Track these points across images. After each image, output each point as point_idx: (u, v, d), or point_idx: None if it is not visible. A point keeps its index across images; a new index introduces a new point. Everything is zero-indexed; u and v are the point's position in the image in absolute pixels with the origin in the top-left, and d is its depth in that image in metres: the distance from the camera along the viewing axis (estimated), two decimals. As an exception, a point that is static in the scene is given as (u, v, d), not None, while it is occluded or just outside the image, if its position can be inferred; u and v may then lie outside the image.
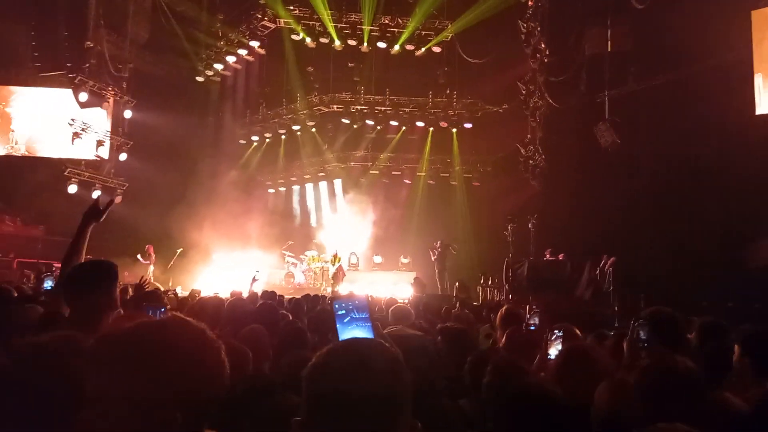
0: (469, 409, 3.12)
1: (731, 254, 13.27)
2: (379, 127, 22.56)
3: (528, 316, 4.21)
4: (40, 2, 20.85)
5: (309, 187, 24.55)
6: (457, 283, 15.32)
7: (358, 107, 21.97)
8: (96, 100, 19.30)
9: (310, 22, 20.84)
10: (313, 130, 23.19)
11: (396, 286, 17.55)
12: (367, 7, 20.32)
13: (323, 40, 20.88)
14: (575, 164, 17.95)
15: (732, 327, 3.82)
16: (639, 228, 16.11)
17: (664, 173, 15.90)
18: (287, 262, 20.32)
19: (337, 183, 23.54)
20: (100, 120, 20.05)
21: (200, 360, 1.24)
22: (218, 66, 22.67)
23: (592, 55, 16.91)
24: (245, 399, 2.77)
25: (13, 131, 21.09)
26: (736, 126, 14.57)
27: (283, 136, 23.95)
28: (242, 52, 22.08)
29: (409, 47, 20.97)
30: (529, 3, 18.02)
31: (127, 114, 20.70)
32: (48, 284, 5.21)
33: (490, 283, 16.35)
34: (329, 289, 17.70)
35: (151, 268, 17.55)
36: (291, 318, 5.23)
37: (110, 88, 19.80)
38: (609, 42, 16.29)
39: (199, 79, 22.90)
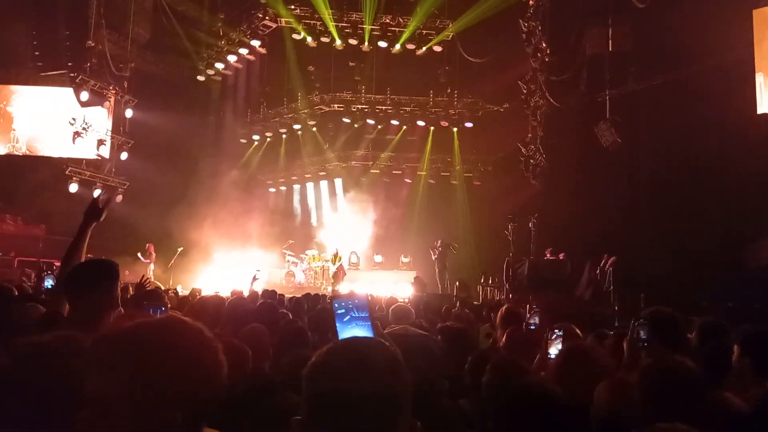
0: (470, 409, 3.12)
1: (731, 254, 13.26)
2: (379, 127, 22.56)
3: (528, 315, 4.21)
4: (41, 2, 20.87)
5: (310, 186, 24.55)
6: (457, 283, 15.33)
7: (359, 106, 21.96)
8: (97, 99, 19.31)
9: (311, 22, 20.82)
10: (314, 129, 23.19)
11: (396, 285, 17.55)
12: (368, 6, 20.31)
13: (324, 40, 20.87)
14: (576, 164, 17.95)
15: (732, 327, 3.82)
16: (639, 228, 16.12)
17: (665, 173, 15.90)
18: (288, 261, 20.33)
19: (338, 182, 23.54)
20: (101, 119, 20.06)
21: (199, 359, 1.24)
22: (219, 65, 22.66)
23: (592, 55, 16.90)
24: (245, 398, 2.78)
25: (14, 130, 21.12)
26: (736, 126, 14.55)
27: (284, 136, 23.95)
28: (243, 51, 22.07)
29: (410, 46, 20.96)
30: (530, 2, 18.01)
31: (128, 113, 20.72)
32: (48, 283, 5.22)
33: (490, 282, 16.35)
34: (330, 288, 17.71)
35: (152, 266, 17.57)
36: (291, 317, 5.24)
37: (111, 88, 19.81)
38: (610, 41, 16.29)
39: (200, 78, 22.89)
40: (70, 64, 19.74)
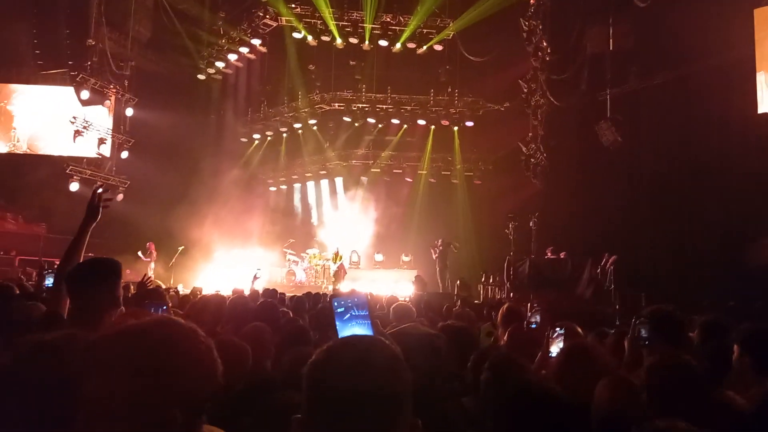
0: (472, 408, 3.12)
1: (732, 253, 13.26)
2: (380, 126, 22.55)
3: (529, 314, 4.21)
4: (42, 0, 20.88)
5: (310, 185, 24.55)
6: (458, 282, 15.32)
7: (360, 105, 21.96)
8: (98, 98, 19.31)
9: (312, 20, 20.82)
10: (315, 128, 23.20)
11: (397, 284, 17.55)
12: (369, 5, 20.31)
13: (325, 38, 20.86)
14: (576, 163, 17.94)
15: (732, 326, 3.81)
16: (640, 227, 16.11)
17: (666, 172, 15.89)
18: (288, 260, 20.34)
19: (339, 181, 23.54)
20: (101, 118, 20.07)
21: (196, 358, 1.25)
22: (220, 64, 22.66)
23: (593, 54, 16.89)
24: (246, 396, 2.78)
25: (14, 129, 21.14)
26: (738, 125, 14.56)
27: (284, 134, 23.95)
28: (244, 50, 22.07)
29: (411, 45, 20.96)
30: (531, 1, 17.99)
31: (129, 112, 20.73)
32: (49, 281, 5.21)
33: (491, 281, 16.35)
34: (330, 287, 17.72)
35: (152, 265, 17.57)
36: (292, 315, 5.24)
37: (112, 86, 19.81)
38: (611, 40, 16.28)
39: (201, 77, 22.89)
40: (70, 62, 19.76)
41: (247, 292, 8.27)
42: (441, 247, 17.83)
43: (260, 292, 8.92)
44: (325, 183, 24.07)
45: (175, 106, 20.99)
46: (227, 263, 18.53)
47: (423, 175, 22.23)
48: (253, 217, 20.54)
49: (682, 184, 15.23)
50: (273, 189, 25.00)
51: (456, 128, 21.92)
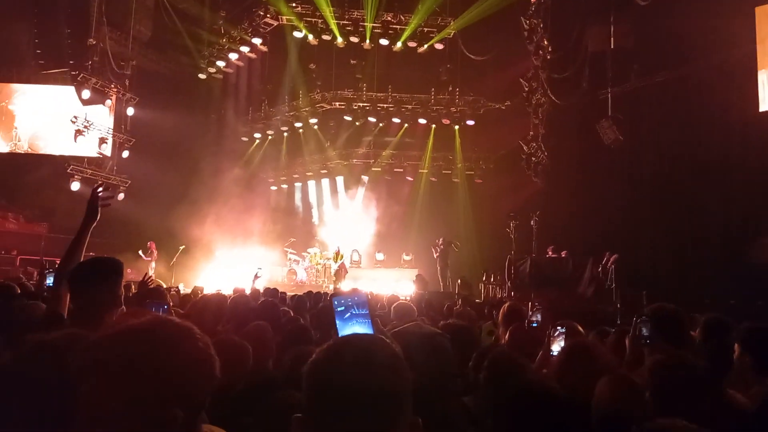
0: (473, 407, 3.12)
1: (734, 252, 13.25)
2: (381, 124, 22.54)
3: (530, 313, 4.21)
4: (43, 0, 20.88)
5: (311, 184, 24.56)
6: (459, 280, 15.31)
7: (361, 104, 21.96)
8: (98, 97, 19.32)
9: (313, 19, 20.80)
10: (316, 127, 23.21)
11: (398, 283, 17.56)
12: (370, 4, 20.30)
13: (325, 37, 20.84)
14: (577, 161, 17.93)
15: (734, 324, 3.81)
16: (641, 225, 16.10)
17: (667, 170, 15.87)
18: (289, 259, 20.35)
19: (340, 180, 23.55)
20: (102, 117, 20.09)
21: (193, 356, 1.25)
22: (221, 63, 22.66)
23: (594, 52, 16.85)
24: (248, 395, 2.78)
25: (16, 128, 21.16)
26: (739, 123, 14.53)
27: (285, 133, 23.95)
28: (245, 49, 22.06)
29: (412, 44, 20.94)
30: (532, 0, 17.97)
31: (130, 111, 20.74)
32: (50, 281, 5.22)
33: (492, 280, 16.34)
34: (331, 286, 17.72)
35: (153, 264, 17.59)
36: (292, 314, 5.24)
37: (113, 86, 19.82)
38: (611, 39, 16.25)
39: (202, 76, 22.89)
40: (71, 62, 19.76)
41: (248, 291, 8.28)
42: (442, 246, 17.83)
43: (261, 291, 8.92)
44: (326, 182, 24.08)
45: (176, 106, 21.01)
46: (228, 262, 18.54)
47: (424, 174, 22.23)
48: (254, 217, 20.55)
49: (683, 183, 15.21)
50: (274, 188, 25.01)
51: (457, 127, 21.91)
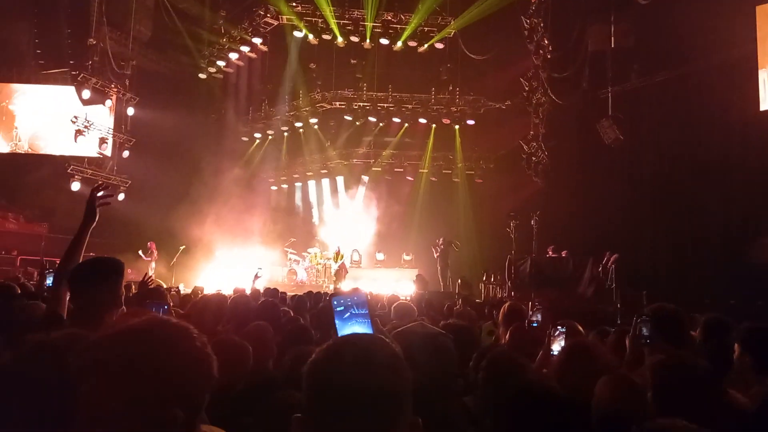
0: (473, 407, 3.12)
1: (734, 251, 13.25)
2: (381, 124, 22.53)
3: (530, 313, 4.21)
4: (43, 0, 20.88)
5: (311, 184, 24.55)
6: (459, 280, 15.30)
7: (361, 104, 21.96)
8: (98, 97, 19.32)
9: (313, 19, 20.80)
10: (316, 127, 23.20)
11: (398, 283, 17.56)
12: (370, 3, 20.29)
13: (326, 37, 20.84)
14: (577, 161, 17.93)
15: (734, 324, 3.81)
16: (641, 225, 16.11)
17: (667, 170, 15.87)
18: (290, 259, 20.35)
19: (340, 180, 23.54)
20: (102, 117, 20.09)
21: (191, 356, 1.25)
22: (221, 63, 22.66)
23: (595, 52, 16.85)
24: (248, 395, 2.78)
25: (16, 128, 21.17)
26: (739, 122, 14.53)
27: (285, 133, 23.95)
28: (245, 48, 22.06)
29: (412, 44, 20.93)
30: (532, -1, 17.99)
31: (130, 111, 20.74)
32: (50, 281, 5.21)
33: (492, 280, 16.34)
34: (332, 286, 17.72)
35: (153, 264, 17.59)
36: (292, 314, 5.24)
37: (113, 86, 19.82)
38: (612, 38, 16.25)
39: (202, 76, 22.89)
40: (71, 62, 19.77)
41: (248, 292, 8.28)
42: (442, 246, 17.82)
43: (261, 291, 8.91)
44: (326, 182, 24.07)
45: (176, 106, 21.00)
46: (228, 262, 18.54)
47: (424, 173, 22.23)
48: (254, 217, 20.55)
49: (683, 182, 15.21)
50: (274, 188, 25.00)
51: (457, 127, 21.90)
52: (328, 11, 20.43)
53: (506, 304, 4.66)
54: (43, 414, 1.45)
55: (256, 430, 2.53)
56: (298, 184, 24.85)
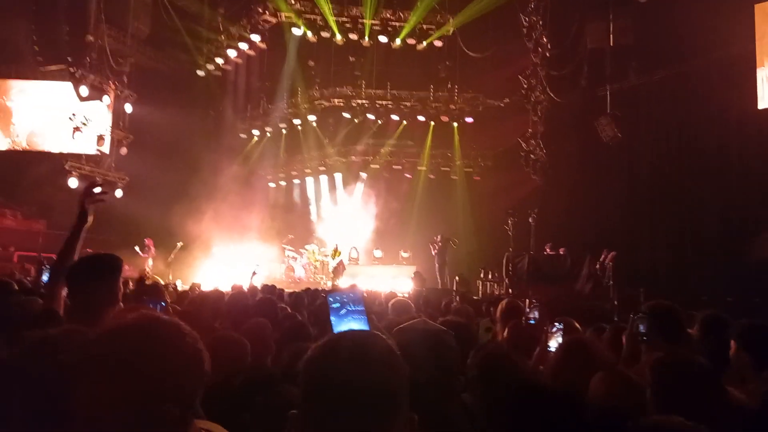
0: (471, 404, 3.12)
1: (732, 249, 13.28)
2: (380, 122, 22.51)
3: (528, 310, 4.22)
4: (41, -4, 20.82)
5: (309, 181, 24.52)
6: (457, 278, 15.33)
7: (359, 101, 21.93)
8: (96, 94, 19.26)
9: (311, 16, 20.76)
10: (314, 124, 23.15)
11: (396, 280, 17.54)
12: (369, 1, 20.25)
13: (324, 34, 20.81)
14: (576, 159, 17.94)
15: (732, 321, 3.82)
16: (639, 222, 16.13)
17: (665, 167, 15.90)
18: (287, 256, 20.33)
19: (338, 177, 23.51)
20: (100, 114, 20.03)
21: (182, 351, 1.25)
22: (219, 60, 22.61)
23: (593, 49, 16.86)
24: (246, 391, 2.79)
25: (14, 125, 21.11)
26: (738, 120, 14.55)
27: (283, 130, 23.91)
28: (243, 46, 22.00)
29: (411, 41, 20.90)
30: (531, -3, 17.97)
31: (128, 108, 20.68)
32: (46, 277, 5.21)
33: (490, 277, 16.36)
34: (329, 283, 17.72)
35: (150, 261, 17.57)
36: (290, 311, 5.25)
37: (111, 83, 19.77)
38: (611, 36, 16.25)
39: (200, 73, 22.85)
40: (69, 58, 19.68)
41: (245, 288, 8.28)
42: (440, 243, 17.83)
43: (259, 288, 8.92)
44: (324, 179, 24.04)
45: (174, 103, 20.95)
46: (226, 259, 18.53)
47: (422, 171, 22.21)
48: (252, 213, 20.53)
49: (681, 180, 15.24)
50: (272, 185, 24.96)
51: (455, 124, 21.89)
52: (326, 9, 20.39)
53: (504, 301, 4.66)
54: (42, 411, 1.45)
55: (255, 426, 2.54)
56: (297, 181, 24.81)
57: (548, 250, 15.63)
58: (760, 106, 14.17)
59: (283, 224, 21.87)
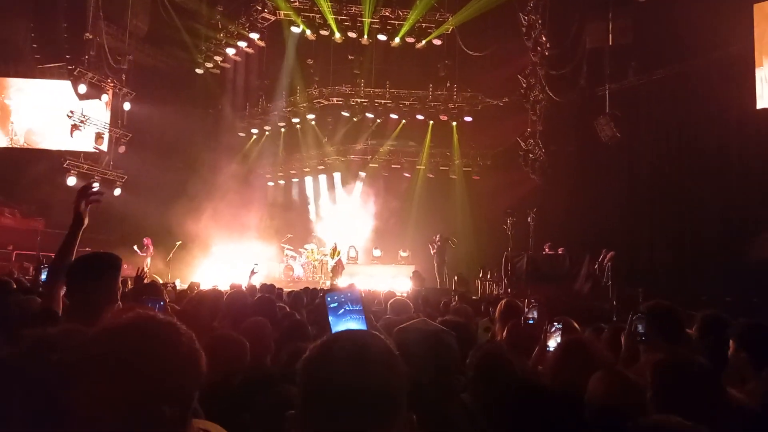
0: (470, 403, 3.12)
1: (730, 248, 13.29)
2: (378, 120, 22.51)
3: (527, 309, 4.21)
4: (39, -6, 20.78)
5: (308, 180, 24.53)
6: (456, 277, 15.33)
7: (358, 100, 21.93)
8: (95, 92, 19.20)
9: (310, 14, 20.75)
10: (313, 122, 23.16)
11: (395, 279, 17.55)
12: (368, -1, 20.27)
13: (323, 33, 20.80)
14: (575, 158, 17.95)
15: (732, 321, 3.81)
16: (638, 222, 16.14)
17: (664, 167, 15.91)
18: (286, 255, 20.33)
19: (337, 176, 23.52)
20: (99, 112, 19.99)
21: (178, 351, 1.25)
22: (218, 58, 22.59)
23: (592, 49, 16.86)
24: (245, 390, 2.78)
25: (12, 123, 21.08)
26: (737, 120, 14.56)
27: (282, 129, 23.91)
28: (242, 44, 21.97)
29: (410, 40, 20.89)
30: (530, -4, 17.97)
31: (127, 106, 20.63)
32: (45, 276, 5.20)
33: (489, 276, 16.37)
34: (328, 283, 17.72)
35: (149, 260, 17.55)
36: (289, 310, 5.24)
37: (109, 80, 19.71)
38: (610, 35, 16.25)
39: (199, 71, 22.82)
40: (68, 56, 19.66)
41: (244, 287, 8.27)
42: (439, 243, 17.83)
43: (258, 287, 8.91)
44: (323, 178, 24.04)
45: (173, 101, 20.93)
46: (225, 258, 18.52)
47: (421, 170, 22.22)
48: (251, 212, 20.53)
49: (680, 180, 15.25)
50: (271, 184, 24.97)
51: (455, 123, 21.89)
52: (325, 7, 20.37)
53: (503, 301, 4.66)
54: (41, 410, 1.45)
55: (254, 425, 2.54)
56: (295, 180, 24.82)
57: (547, 249, 15.64)
58: (759, 105, 14.18)
59: (282, 223, 21.87)
